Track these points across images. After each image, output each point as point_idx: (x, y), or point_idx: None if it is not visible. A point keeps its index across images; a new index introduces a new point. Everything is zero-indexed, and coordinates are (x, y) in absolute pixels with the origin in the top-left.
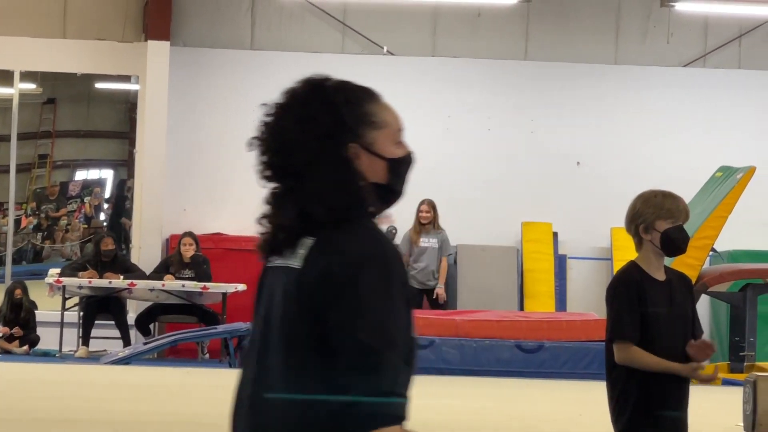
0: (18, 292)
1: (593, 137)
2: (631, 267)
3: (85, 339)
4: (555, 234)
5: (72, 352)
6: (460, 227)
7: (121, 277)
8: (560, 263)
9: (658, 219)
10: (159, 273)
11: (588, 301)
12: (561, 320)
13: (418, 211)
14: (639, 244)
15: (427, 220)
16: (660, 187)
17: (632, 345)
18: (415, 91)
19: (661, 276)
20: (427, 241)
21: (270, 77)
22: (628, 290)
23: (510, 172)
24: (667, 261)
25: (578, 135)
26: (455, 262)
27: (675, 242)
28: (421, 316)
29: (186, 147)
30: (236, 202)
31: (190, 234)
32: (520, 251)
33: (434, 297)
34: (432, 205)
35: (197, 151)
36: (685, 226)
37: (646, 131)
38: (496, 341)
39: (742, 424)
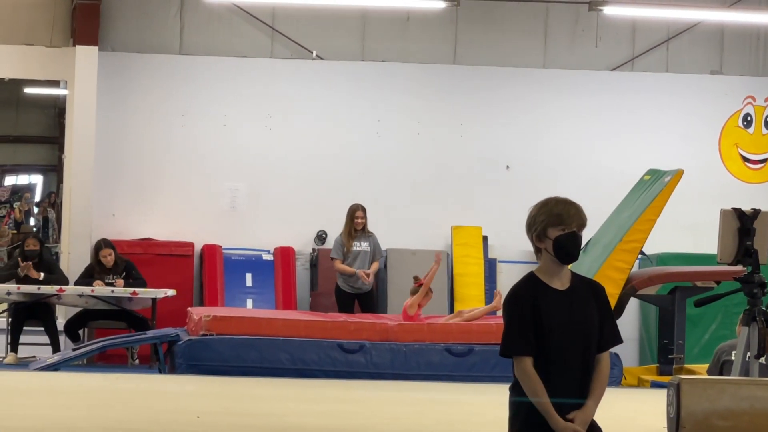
0: None
1: (522, 141)
2: (527, 279)
3: (14, 345)
4: (485, 238)
5: (0, 359)
6: (390, 231)
7: (42, 275)
8: (490, 267)
9: (549, 226)
10: (85, 279)
11: None
12: (490, 323)
13: (354, 216)
14: (537, 252)
15: (362, 226)
16: (589, 190)
17: (526, 359)
18: (345, 96)
19: (561, 284)
20: (359, 246)
21: (199, 81)
22: (519, 304)
23: (439, 176)
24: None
25: (507, 139)
26: (385, 266)
27: (565, 249)
28: (354, 320)
29: (115, 152)
30: (165, 207)
31: (104, 243)
32: (450, 255)
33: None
34: (365, 211)
35: (126, 156)
36: (614, 229)
37: (574, 135)
38: (426, 345)
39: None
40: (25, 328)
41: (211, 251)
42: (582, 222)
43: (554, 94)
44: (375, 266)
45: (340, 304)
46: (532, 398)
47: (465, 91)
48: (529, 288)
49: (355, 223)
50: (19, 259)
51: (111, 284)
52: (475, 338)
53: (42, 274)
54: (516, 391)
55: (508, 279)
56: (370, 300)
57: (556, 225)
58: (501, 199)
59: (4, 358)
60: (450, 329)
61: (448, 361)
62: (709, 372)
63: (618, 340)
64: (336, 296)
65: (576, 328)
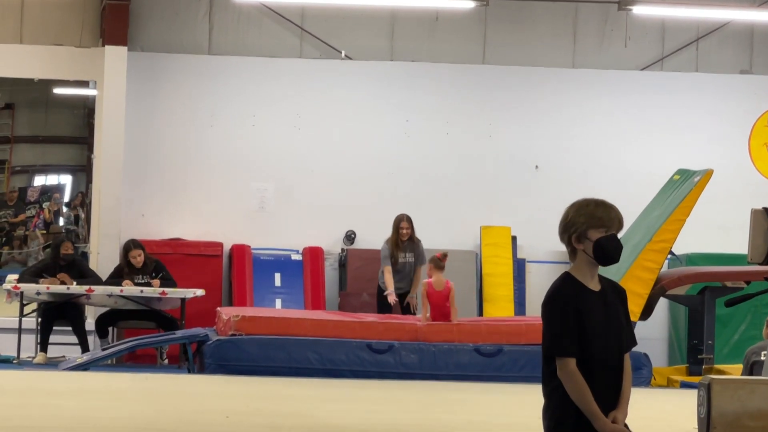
0: None
1: (551, 141)
2: (566, 279)
3: (43, 345)
4: (514, 238)
5: (30, 359)
6: (419, 231)
7: (74, 282)
8: (519, 267)
9: (590, 228)
10: (114, 279)
11: None
12: (520, 324)
13: (399, 227)
14: (572, 253)
15: (407, 236)
16: (618, 190)
17: (572, 361)
18: (374, 96)
19: (595, 286)
20: (404, 257)
21: (228, 82)
22: (563, 304)
23: (468, 176)
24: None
25: (536, 139)
26: None
27: (607, 252)
28: (383, 321)
29: (144, 152)
30: (194, 207)
31: (133, 243)
32: (479, 255)
33: (405, 304)
34: (410, 221)
35: (155, 156)
36: (643, 229)
37: (603, 134)
38: (455, 345)
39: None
40: (54, 328)
41: (240, 251)
42: (621, 224)
43: (583, 93)
44: (417, 276)
45: (380, 305)
46: (578, 400)
47: (494, 90)
48: (570, 288)
49: (401, 234)
50: (45, 269)
51: (140, 284)
52: (504, 339)
53: (75, 283)
54: (558, 393)
55: (536, 279)
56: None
57: (597, 227)
58: (530, 199)
59: (34, 357)
60: (479, 329)
61: (477, 361)
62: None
63: (635, 342)
64: (377, 297)
65: (611, 330)
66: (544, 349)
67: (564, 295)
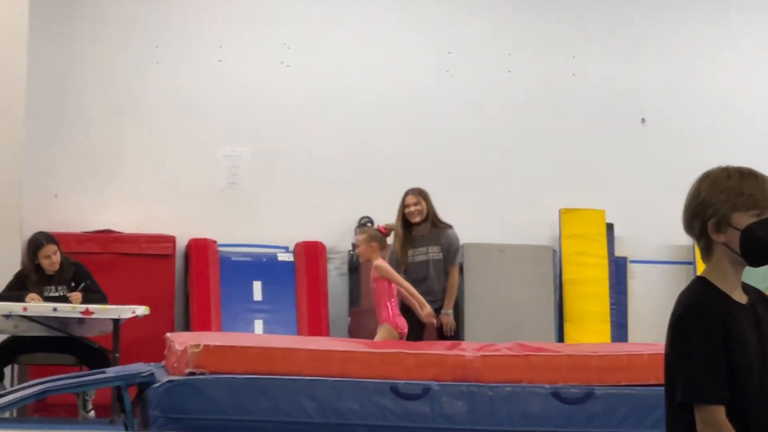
0: None
1: (664, 83)
2: (704, 287)
3: None
4: (610, 226)
5: None
6: (467, 218)
7: None
8: (618, 269)
9: (735, 210)
10: (14, 291)
11: (659, 325)
12: (620, 354)
13: (404, 207)
14: (707, 249)
15: (420, 220)
16: (764, 152)
17: (720, 410)
18: (400, 17)
19: (741, 296)
20: (424, 253)
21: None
22: (707, 325)
23: (541, 136)
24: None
25: (643, 80)
26: (462, 269)
27: (762, 243)
28: (414, 352)
29: (56, 101)
30: (132, 184)
31: (44, 238)
32: (558, 253)
33: (438, 326)
34: (424, 195)
35: (73, 107)
36: None
37: (742, 73)
38: (523, 387)
39: None
40: None
41: (200, 249)
42: None
43: (712, 13)
44: (452, 281)
45: (411, 329)
46: None
47: (578, 11)
48: (714, 303)
49: (408, 216)
50: None
51: (53, 298)
52: (595, 377)
53: None
54: None
55: (644, 288)
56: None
57: (746, 209)
58: (633, 168)
59: None
60: (558, 364)
61: (556, 409)
62: None
63: None
64: (407, 317)
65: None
66: (673, 393)
67: (706, 311)
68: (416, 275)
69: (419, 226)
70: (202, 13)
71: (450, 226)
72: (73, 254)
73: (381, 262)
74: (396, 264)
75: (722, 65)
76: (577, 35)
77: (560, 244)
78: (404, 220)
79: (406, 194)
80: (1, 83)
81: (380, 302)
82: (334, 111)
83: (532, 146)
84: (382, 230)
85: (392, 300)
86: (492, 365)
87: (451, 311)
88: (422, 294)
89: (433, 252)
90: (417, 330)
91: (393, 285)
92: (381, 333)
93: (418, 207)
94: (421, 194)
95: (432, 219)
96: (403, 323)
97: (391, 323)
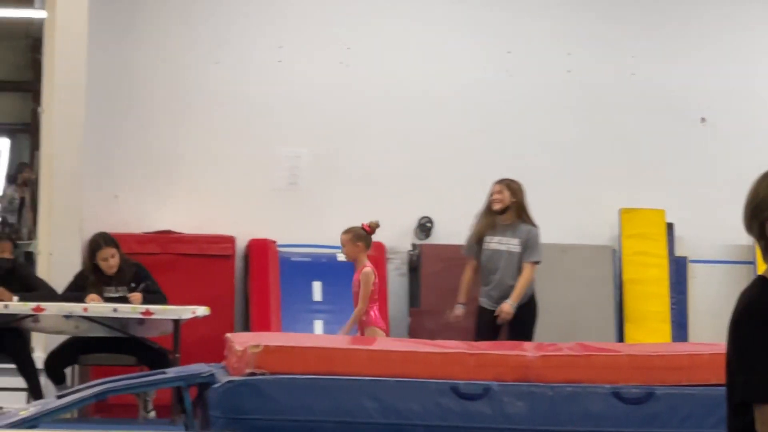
0: None
1: (724, 82)
2: (764, 287)
3: None
4: (670, 226)
5: None
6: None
7: (14, 298)
8: (678, 269)
9: None
10: (74, 292)
11: (720, 324)
12: (680, 354)
13: (491, 194)
14: (767, 249)
15: (501, 209)
16: None
17: None
18: (460, 17)
19: None
20: (500, 243)
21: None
22: (766, 326)
23: (601, 136)
24: None
25: (702, 78)
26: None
27: None
28: (475, 352)
29: (116, 104)
30: (192, 185)
31: (103, 239)
32: (618, 252)
33: (494, 315)
34: (510, 186)
35: (133, 109)
36: None
37: None
38: (583, 387)
39: None
40: None
41: (260, 250)
42: None
43: None
44: (525, 275)
45: (480, 328)
46: None
47: (638, 10)
48: None
49: (491, 204)
50: None
51: (113, 299)
52: (657, 377)
53: (16, 298)
54: None
55: (705, 288)
56: (523, 322)
57: None
58: (694, 167)
59: None
60: (619, 364)
61: (617, 410)
62: None
63: None
64: (478, 316)
65: None
66: (733, 392)
67: (765, 310)
68: (489, 264)
69: (503, 215)
70: (262, 13)
71: (534, 224)
72: (133, 255)
73: (369, 272)
74: (467, 248)
75: None
76: (637, 35)
77: (620, 243)
78: (489, 207)
79: (495, 183)
80: (61, 84)
81: None
82: (394, 111)
83: (592, 146)
84: (366, 228)
85: (375, 304)
86: (553, 365)
87: (513, 303)
88: (492, 288)
89: (511, 244)
90: (488, 331)
91: (375, 289)
92: (368, 336)
93: (499, 196)
94: (507, 185)
95: (517, 212)
96: (384, 326)
97: (375, 326)
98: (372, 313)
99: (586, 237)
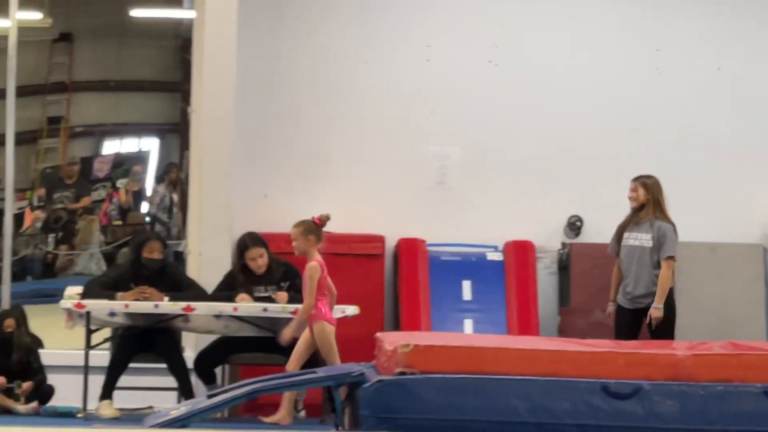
0: (9, 322)
1: None
2: None
3: (108, 388)
4: None
5: (87, 412)
6: (676, 217)
7: (165, 297)
8: None
9: None
10: (224, 292)
11: None
12: None
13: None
14: None
15: (638, 206)
16: None
17: None
18: (607, 15)
19: None
20: (636, 239)
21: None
22: None
23: (751, 134)
24: None
25: None
26: None
27: None
28: (625, 351)
29: (265, 104)
30: (341, 184)
31: (252, 239)
32: None
33: (648, 321)
34: (645, 185)
35: (282, 109)
36: None
37: None
38: (735, 386)
39: None
40: (132, 365)
41: (410, 249)
42: None
43: None
44: (663, 275)
45: (619, 327)
46: None
47: None
48: None
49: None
50: (120, 279)
51: (263, 299)
52: None
53: (166, 298)
54: None
55: None
56: (664, 320)
57: None
58: None
59: (97, 408)
60: None
61: None
62: None
63: None
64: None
65: None
66: None
67: None
68: (626, 260)
69: (639, 212)
70: (410, 12)
71: (669, 221)
72: (282, 254)
73: (314, 266)
74: (611, 246)
75: None
76: None
77: None
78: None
79: (631, 180)
80: (210, 84)
81: None
82: (542, 110)
83: (742, 144)
84: (317, 221)
85: (324, 298)
86: (704, 364)
87: (660, 306)
88: (628, 283)
89: (644, 239)
90: (627, 330)
91: (324, 283)
92: (316, 331)
93: (633, 194)
94: (642, 183)
95: (653, 209)
96: (333, 319)
97: (323, 319)
98: (321, 307)
99: (736, 235)
